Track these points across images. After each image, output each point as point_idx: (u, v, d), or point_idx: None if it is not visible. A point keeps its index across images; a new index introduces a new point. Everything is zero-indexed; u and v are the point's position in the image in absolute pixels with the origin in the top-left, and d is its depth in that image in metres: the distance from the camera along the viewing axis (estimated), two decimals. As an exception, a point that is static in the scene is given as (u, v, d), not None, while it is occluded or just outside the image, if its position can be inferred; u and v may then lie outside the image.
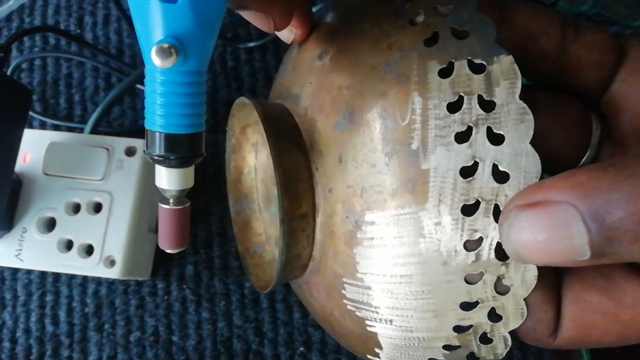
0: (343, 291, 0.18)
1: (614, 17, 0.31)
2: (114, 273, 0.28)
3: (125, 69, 0.35)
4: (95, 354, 0.32)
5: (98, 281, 0.33)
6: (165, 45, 0.15)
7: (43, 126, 0.35)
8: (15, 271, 0.33)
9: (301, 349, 0.31)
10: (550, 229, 0.13)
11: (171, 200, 0.17)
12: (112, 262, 0.28)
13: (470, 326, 0.16)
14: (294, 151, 0.19)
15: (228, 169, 0.25)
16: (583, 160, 0.19)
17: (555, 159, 0.19)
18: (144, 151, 0.17)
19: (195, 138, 0.17)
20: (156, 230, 0.33)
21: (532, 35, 0.18)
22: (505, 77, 0.15)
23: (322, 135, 0.18)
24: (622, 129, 0.19)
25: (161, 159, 0.16)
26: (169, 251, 0.18)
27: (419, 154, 0.16)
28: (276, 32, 0.19)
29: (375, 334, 0.18)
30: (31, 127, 0.35)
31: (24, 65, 0.36)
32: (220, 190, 0.34)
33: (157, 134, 0.16)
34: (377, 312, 0.17)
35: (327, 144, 0.18)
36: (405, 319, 0.17)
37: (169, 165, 0.17)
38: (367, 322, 0.18)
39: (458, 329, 0.16)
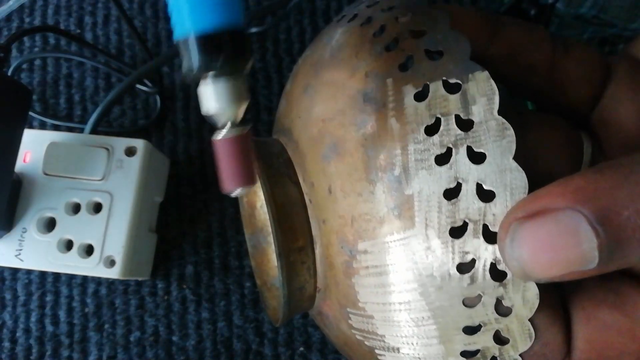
0: (349, 321, 0.18)
1: (612, 19, 0.31)
2: (114, 273, 0.28)
3: (125, 69, 0.35)
4: (95, 354, 0.32)
5: (98, 281, 0.33)
6: None
7: (43, 126, 0.35)
8: (15, 271, 0.33)
9: (301, 349, 0.31)
10: (557, 237, 0.12)
11: (228, 124, 0.14)
12: (112, 262, 0.28)
13: (478, 351, 0.16)
14: (287, 185, 0.19)
15: (241, 204, 0.25)
16: None
17: (547, 179, 0.19)
18: (182, 76, 0.14)
19: (236, 35, 0.14)
20: (156, 230, 0.33)
21: (523, 48, 0.18)
22: (482, 94, 0.15)
23: (312, 167, 0.18)
24: (613, 144, 0.19)
25: (201, 67, 0.13)
26: (236, 193, 0.15)
27: (402, 179, 0.16)
28: None
29: None
30: (31, 127, 0.35)
31: (24, 66, 0.36)
32: (220, 190, 0.34)
33: (191, 39, 0.13)
34: (384, 341, 0.17)
35: (317, 175, 0.18)
36: (411, 347, 0.17)
37: (215, 75, 0.14)
38: (377, 352, 0.18)
39: (466, 354, 0.16)
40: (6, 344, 0.32)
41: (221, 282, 0.33)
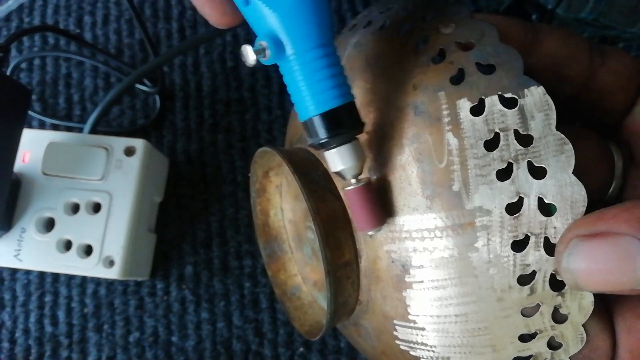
0: (395, 332, 0.18)
1: (612, 23, 0.31)
2: (113, 273, 0.28)
3: (125, 69, 0.35)
4: (95, 354, 0.32)
5: (97, 281, 0.32)
6: (258, 46, 0.16)
7: (42, 126, 0.35)
8: (14, 271, 0.33)
9: (301, 349, 0.31)
10: (614, 261, 0.13)
11: (353, 180, 0.17)
12: (111, 263, 0.28)
13: (530, 356, 0.16)
14: (329, 199, 0.18)
15: (254, 213, 0.25)
16: (610, 191, 0.19)
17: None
18: (309, 145, 0.17)
19: (350, 108, 0.16)
20: (155, 230, 0.33)
21: (563, 60, 0.18)
22: (539, 109, 0.15)
23: None
24: None
25: (328, 139, 0.16)
26: (370, 233, 0.17)
27: (462, 194, 0.16)
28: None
29: None
30: (30, 126, 0.35)
31: (23, 65, 0.36)
32: (219, 190, 0.34)
33: (315, 118, 0.16)
34: (434, 351, 0.17)
35: None
36: (463, 356, 0.17)
37: (338, 144, 0.16)
38: None
39: None
40: (5, 345, 0.32)
41: (220, 283, 0.32)
